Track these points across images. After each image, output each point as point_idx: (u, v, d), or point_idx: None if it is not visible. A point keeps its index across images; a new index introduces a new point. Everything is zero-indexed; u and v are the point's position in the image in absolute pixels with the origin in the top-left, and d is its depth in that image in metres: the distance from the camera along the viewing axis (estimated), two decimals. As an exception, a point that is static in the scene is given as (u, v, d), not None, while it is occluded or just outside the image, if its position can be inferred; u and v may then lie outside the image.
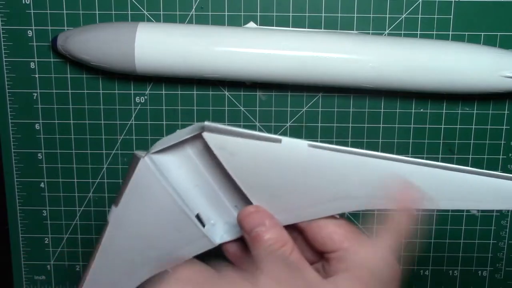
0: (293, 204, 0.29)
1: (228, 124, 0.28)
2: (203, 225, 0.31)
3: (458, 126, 0.46)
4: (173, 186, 0.30)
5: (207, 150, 0.29)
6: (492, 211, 0.48)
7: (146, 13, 0.44)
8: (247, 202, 0.30)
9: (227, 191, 0.31)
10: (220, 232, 0.31)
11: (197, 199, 0.31)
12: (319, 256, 0.30)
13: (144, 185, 0.30)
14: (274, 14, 0.44)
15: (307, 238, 0.30)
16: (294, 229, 0.30)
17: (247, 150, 0.28)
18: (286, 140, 0.28)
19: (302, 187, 0.28)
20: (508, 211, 0.47)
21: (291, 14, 0.44)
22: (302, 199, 0.29)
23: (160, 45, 0.41)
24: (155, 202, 0.30)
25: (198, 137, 0.29)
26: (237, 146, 0.28)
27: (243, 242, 0.31)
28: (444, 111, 0.46)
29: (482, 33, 0.44)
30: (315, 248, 0.30)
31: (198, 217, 0.31)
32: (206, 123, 0.28)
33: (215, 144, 0.28)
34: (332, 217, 0.29)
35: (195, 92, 0.46)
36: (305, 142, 0.28)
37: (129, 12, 0.44)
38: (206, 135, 0.28)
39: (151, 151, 0.30)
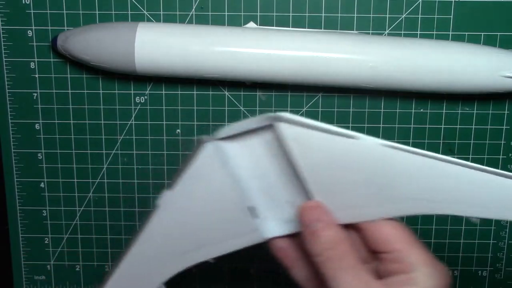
0: (356, 203, 0.29)
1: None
2: (255, 218, 0.31)
3: (458, 126, 0.46)
4: (232, 175, 0.30)
5: (274, 142, 0.29)
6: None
7: (146, 13, 0.44)
8: (303, 198, 0.29)
9: (284, 185, 0.30)
10: (270, 226, 0.31)
11: (251, 191, 0.30)
12: (371, 254, 0.30)
13: (204, 170, 0.29)
14: (274, 14, 0.44)
15: (361, 236, 0.30)
16: (349, 227, 0.30)
17: (320, 144, 0.28)
18: (362, 137, 0.27)
19: (369, 186, 0.28)
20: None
21: (291, 14, 0.44)
22: (366, 199, 0.29)
23: (160, 45, 0.41)
24: (213, 190, 0.30)
25: (267, 127, 0.29)
26: (311, 139, 0.28)
27: (291, 238, 0.31)
28: (444, 111, 0.46)
29: (482, 33, 0.44)
30: (368, 246, 0.30)
31: (251, 209, 0.31)
32: (282, 114, 0.28)
33: (289, 135, 0.28)
34: (389, 218, 0.29)
35: (195, 92, 0.46)
36: (379, 141, 0.27)
37: (129, 12, 0.44)
38: (281, 125, 0.28)
39: (216, 137, 0.29)
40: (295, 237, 0.31)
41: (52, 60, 0.46)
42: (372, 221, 0.29)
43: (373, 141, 0.27)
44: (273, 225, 0.31)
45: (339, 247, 0.28)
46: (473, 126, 0.46)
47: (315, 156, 0.28)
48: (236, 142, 0.30)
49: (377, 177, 0.28)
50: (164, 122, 0.47)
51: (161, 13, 0.44)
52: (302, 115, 0.46)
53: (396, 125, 0.46)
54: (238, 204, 0.30)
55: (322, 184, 0.29)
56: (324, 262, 0.28)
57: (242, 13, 0.44)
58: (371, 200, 0.29)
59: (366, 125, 0.46)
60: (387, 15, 0.44)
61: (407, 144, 0.46)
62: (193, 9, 0.44)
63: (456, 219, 0.48)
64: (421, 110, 0.46)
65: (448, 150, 0.46)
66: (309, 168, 0.28)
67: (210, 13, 0.44)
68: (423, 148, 0.28)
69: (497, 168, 0.48)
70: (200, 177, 0.30)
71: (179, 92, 0.46)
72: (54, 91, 0.46)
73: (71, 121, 0.47)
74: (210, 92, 0.46)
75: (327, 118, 0.46)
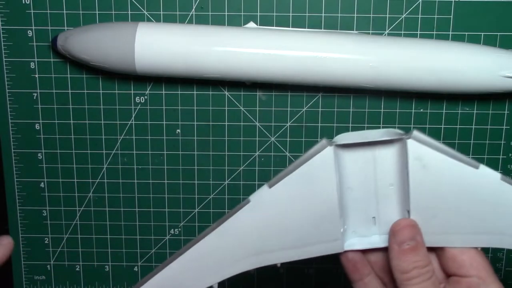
0: (451, 229, 0.30)
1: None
2: (341, 228, 0.31)
3: (458, 126, 0.46)
4: (338, 182, 0.30)
5: (393, 156, 0.30)
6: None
7: (146, 13, 0.44)
8: (392, 216, 0.30)
9: (379, 200, 0.31)
10: (350, 238, 0.32)
11: (346, 201, 0.31)
12: (443, 275, 0.31)
13: (317, 172, 0.30)
14: (274, 14, 0.44)
15: (439, 256, 0.31)
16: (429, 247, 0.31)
17: (441, 166, 0.29)
18: (482, 168, 0.29)
19: (473, 215, 0.29)
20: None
21: (291, 14, 0.44)
22: (464, 226, 0.30)
23: (160, 45, 0.41)
24: (317, 192, 0.30)
25: (390, 142, 0.30)
26: (433, 161, 0.29)
27: (364, 252, 0.32)
28: (444, 111, 0.46)
29: (482, 33, 0.44)
30: (445, 267, 0.31)
31: (341, 219, 0.31)
32: (415, 132, 0.29)
33: (413, 152, 0.29)
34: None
35: (195, 92, 0.46)
36: (499, 175, 0.29)
37: (129, 12, 0.44)
38: (411, 142, 0.29)
39: (337, 142, 0.30)
40: (368, 252, 0.32)
41: (52, 60, 0.46)
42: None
43: (493, 174, 0.29)
44: (354, 238, 0.32)
45: (427, 268, 0.29)
46: (473, 126, 0.46)
47: (429, 177, 0.29)
48: (352, 150, 0.30)
49: (485, 208, 0.29)
50: (164, 122, 0.47)
51: (161, 13, 0.44)
52: (302, 115, 0.46)
53: (396, 125, 0.46)
54: (334, 211, 0.30)
55: (425, 205, 0.30)
56: (410, 279, 0.29)
57: (242, 13, 0.44)
58: (469, 229, 0.30)
59: (366, 125, 0.46)
60: (387, 15, 0.44)
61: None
62: (193, 9, 0.44)
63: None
64: (421, 110, 0.46)
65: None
66: (418, 187, 0.29)
67: (210, 13, 0.44)
68: None
69: (497, 168, 0.48)
70: (310, 178, 0.30)
71: (179, 92, 0.46)
72: (54, 91, 0.46)
73: (71, 121, 0.47)
74: (210, 92, 0.46)
75: (327, 118, 0.46)
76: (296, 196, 0.30)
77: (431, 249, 0.31)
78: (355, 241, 0.32)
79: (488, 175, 0.29)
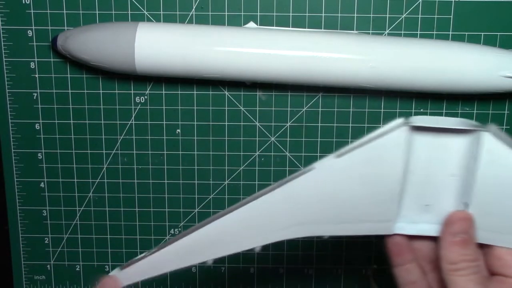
0: (504, 228, 0.30)
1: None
2: (396, 210, 0.31)
3: (458, 126, 0.46)
4: (405, 164, 0.30)
5: (466, 146, 0.30)
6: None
7: (146, 13, 0.44)
8: (447, 206, 0.30)
9: (435, 189, 0.31)
10: (401, 222, 0.32)
11: (406, 184, 0.31)
12: (488, 273, 0.32)
13: (386, 150, 0.29)
14: (274, 14, 0.44)
15: (486, 254, 0.31)
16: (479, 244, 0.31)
17: (510, 164, 0.29)
18: None
19: None
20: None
21: (291, 14, 0.44)
22: None
23: (160, 45, 0.41)
24: (382, 170, 0.30)
25: (466, 132, 0.29)
26: (503, 156, 0.29)
27: (411, 237, 0.32)
28: (444, 111, 0.46)
29: (482, 33, 0.44)
30: (490, 266, 0.31)
31: (398, 200, 0.31)
32: (494, 126, 0.29)
33: (487, 145, 0.29)
34: None
35: (195, 92, 0.46)
36: None
37: (129, 12, 0.44)
38: (487, 136, 0.28)
39: (413, 123, 0.29)
40: (414, 239, 0.32)
41: (52, 60, 0.46)
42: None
43: None
44: (404, 222, 0.32)
45: (476, 262, 0.30)
46: (473, 126, 0.46)
47: (498, 174, 0.29)
48: (424, 134, 0.30)
49: None
50: (164, 122, 0.47)
51: (161, 13, 0.44)
52: (302, 115, 0.46)
53: (396, 125, 0.46)
54: (394, 191, 0.30)
55: (486, 201, 0.30)
56: (457, 271, 0.29)
57: (242, 13, 0.44)
58: None
59: (366, 125, 0.46)
60: (387, 15, 0.44)
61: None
62: (193, 9, 0.44)
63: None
64: (421, 110, 0.46)
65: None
66: (484, 181, 0.29)
67: (210, 13, 0.44)
68: None
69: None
70: (379, 155, 0.29)
71: (179, 92, 0.46)
72: (54, 91, 0.46)
73: (71, 121, 0.47)
74: (210, 92, 0.46)
75: (327, 118, 0.46)
76: (361, 171, 0.30)
77: (479, 246, 0.31)
78: (405, 226, 0.32)
79: None
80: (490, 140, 0.28)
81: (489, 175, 0.29)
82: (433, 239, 0.32)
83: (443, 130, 0.30)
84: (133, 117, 0.47)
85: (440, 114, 0.46)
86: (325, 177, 0.30)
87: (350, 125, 0.46)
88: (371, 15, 0.44)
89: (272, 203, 0.30)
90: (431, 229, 0.31)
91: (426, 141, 0.30)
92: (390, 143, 0.29)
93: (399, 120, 0.29)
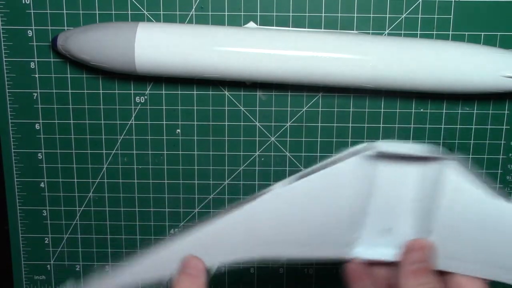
0: (466, 256, 0.30)
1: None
2: (354, 234, 0.31)
3: (458, 126, 0.46)
4: (365, 188, 0.30)
5: (429, 173, 0.29)
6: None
7: (146, 13, 0.44)
8: (409, 231, 0.30)
9: (397, 214, 0.31)
10: (360, 247, 0.31)
11: (366, 208, 0.31)
12: None
13: (345, 175, 0.29)
14: (274, 14, 0.44)
15: (446, 281, 0.31)
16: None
17: (474, 195, 0.29)
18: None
19: (490, 247, 0.29)
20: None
21: (291, 14, 0.44)
22: (478, 256, 0.30)
23: (160, 45, 0.41)
24: (341, 194, 0.30)
25: (427, 159, 0.29)
26: (468, 188, 0.29)
27: (369, 263, 0.32)
28: (444, 111, 0.46)
29: (482, 33, 0.44)
30: None
31: (356, 225, 0.31)
32: (457, 156, 0.29)
33: (451, 175, 0.29)
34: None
35: (195, 92, 0.46)
36: None
37: (129, 12, 0.44)
38: (452, 164, 0.29)
39: (375, 150, 0.29)
40: (374, 264, 0.32)
41: (52, 60, 0.46)
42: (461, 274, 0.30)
43: None
44: (364, 246, 0.31)
45: None
46: (473, 126, 0.46)
47: (461, 202, 0.29)
48: (389, 160, 0.30)
49: (506, 244, 0.29)
50: (164, 122, 0.47)
51: (161, 13, 0.44)
52: (302, 115, 0.46)
53: (396, 125, 0.46)
54: (353, 216, 0.30)
55: (448, 229, 0.30)
56: None
57: (242, 13, 0.44)
58: (485, 260, 0.30)
59: (366, 125, 0.46)
60: (387, 15, 0.44)
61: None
62: (193, 9, 0.44)
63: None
64: (421, 110, 0.46)
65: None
66: (447, 209, 0.29)
67: (210, 13, 0.44)
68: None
69: (497, 168, 0.48)
70: (338, 179, 0.29)
71: (179, 92, 0.46)
72: (54, 91, 0.46)
73: (71, 121, 0.47)
74: (210, 92, 0.46)
75: (327, 118, 0.46)
76: (319, 195, 0.30)
77: (439, 273, 0.30)
78: (364, 250, 0.31)
79: None
80: (454, 169, 0.29)
81: (451, 203, 0.29)
82: (393, 264, 0.31)
83: (407, 156, 0.30)
84: (133, 117, 0.47)
85: (440, 114, 0.46)
86: (282, 200, 0.30)
87: (350, 125, 0.46)
88: (371, 15, 0.44)
89: (229, 224, 0.30)
90: (390, 254, 0.31)
91: (389, 166, 0.30)
92: (349, 169, 0.29)
93: (362, 145, 0.29)
